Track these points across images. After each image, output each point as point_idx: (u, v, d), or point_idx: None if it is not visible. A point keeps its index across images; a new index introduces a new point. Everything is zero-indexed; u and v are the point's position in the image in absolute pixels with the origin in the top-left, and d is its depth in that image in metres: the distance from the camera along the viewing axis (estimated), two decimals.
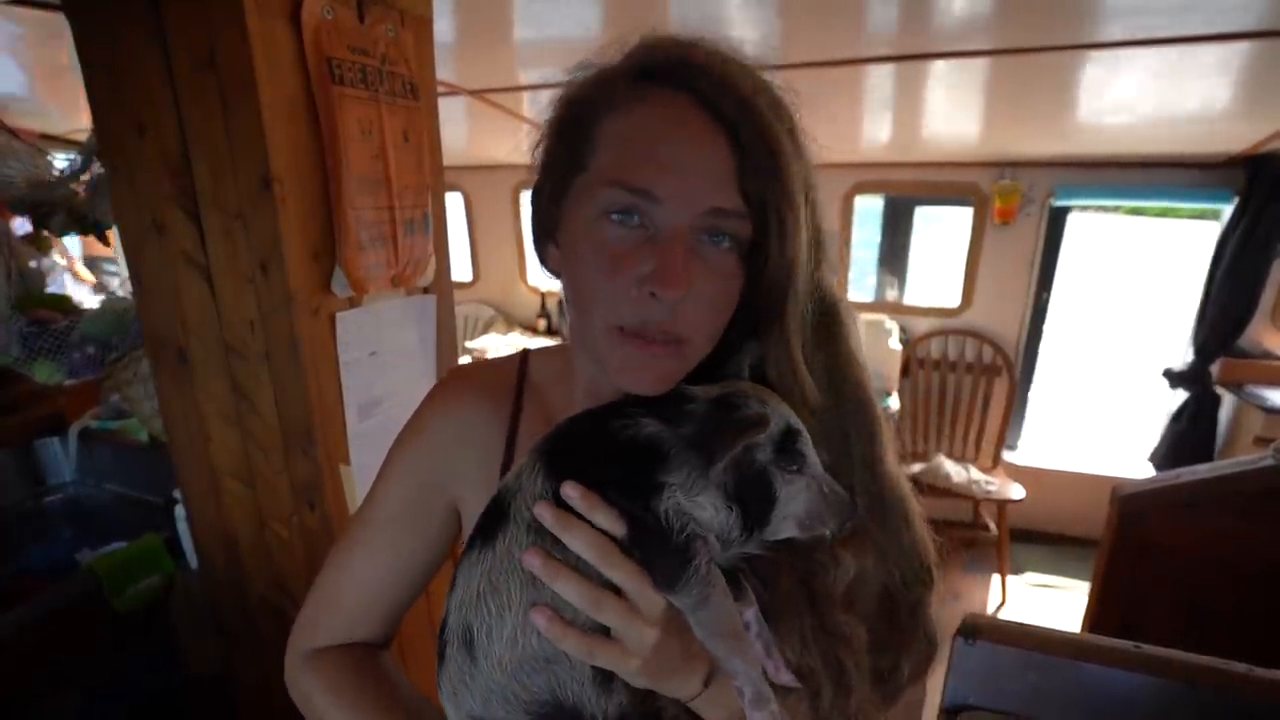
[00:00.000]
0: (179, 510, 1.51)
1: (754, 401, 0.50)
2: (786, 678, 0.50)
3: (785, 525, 0.50)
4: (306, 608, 0.72)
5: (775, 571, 0.53)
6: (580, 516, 0.46)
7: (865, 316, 3.29)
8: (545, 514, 0.46)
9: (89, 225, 1.88)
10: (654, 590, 0.47)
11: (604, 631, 0.46)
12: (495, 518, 0.50)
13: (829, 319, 0.57)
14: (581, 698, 0.48)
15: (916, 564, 0.58)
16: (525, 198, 4.06)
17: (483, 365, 0.72)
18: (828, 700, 0.52)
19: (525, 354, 0.71)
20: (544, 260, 0.61)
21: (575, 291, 0.54)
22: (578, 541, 0.45)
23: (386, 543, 0.67)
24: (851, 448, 0.56)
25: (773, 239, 0.50)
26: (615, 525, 0.46)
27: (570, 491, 0.46)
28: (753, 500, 0.48)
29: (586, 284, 0.52)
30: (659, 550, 0.47)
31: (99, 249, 2.88)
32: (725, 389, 0.51)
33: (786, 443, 0.49)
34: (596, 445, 0.50)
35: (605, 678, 0.48)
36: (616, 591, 0.46)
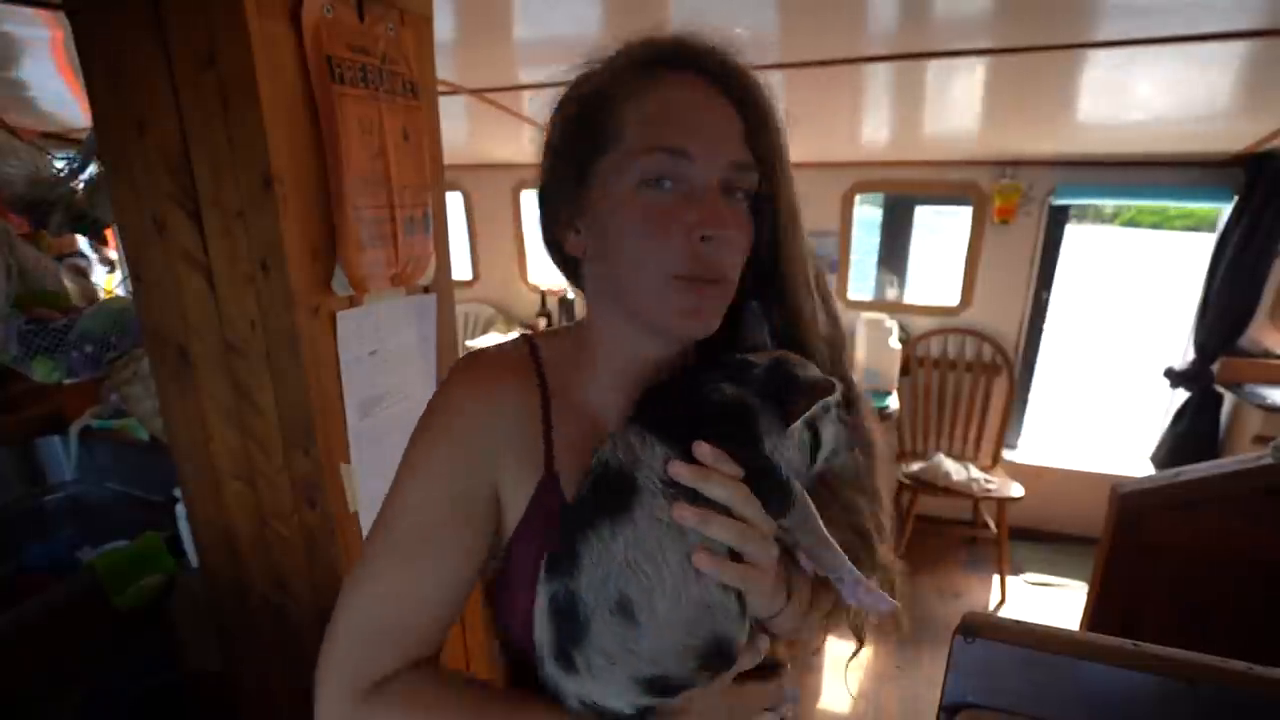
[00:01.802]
0: (180, 509, 1.52)
1: (795, 363, 0.59)
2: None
3: (821, 459, 0.60)
4: (348, 643, 0.61)
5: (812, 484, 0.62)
6: (717, 473, 0.53)
7: (865, 315, 3.29)
8: (683, 472, 0.52)
9: (87, 224, 1.88)
10: (768, 517, 0.55)
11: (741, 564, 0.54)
12: (619, 492, 0.54)
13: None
14: (731, 631, 0.55)
15: (871, 445, 0.68)
16: (526, 197, 4.09)
17: (494, 352, 0.69)
18: (864, 559, 0.62)
19: (529, 338, 0.70)
20: (560, 248, 0.66)
21: (618, 260, 0.59)
22: (718, 489, 0.52)
23: (442, 548, 0.62)
24: (831, 357, 0.66)
25: (779, 187, 0.60)
26: (736, 471, 0.53)
27: (702, 449, 0.53)
28: (814, 441, 0.58)
29: (635, 248, 0.58)
30: (770, 486, 0.55)
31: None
32: (774, 356, 0.60)
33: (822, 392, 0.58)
34: (695, 409, 0.57)
35: (743, 608, 0.55)
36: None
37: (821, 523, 0.58)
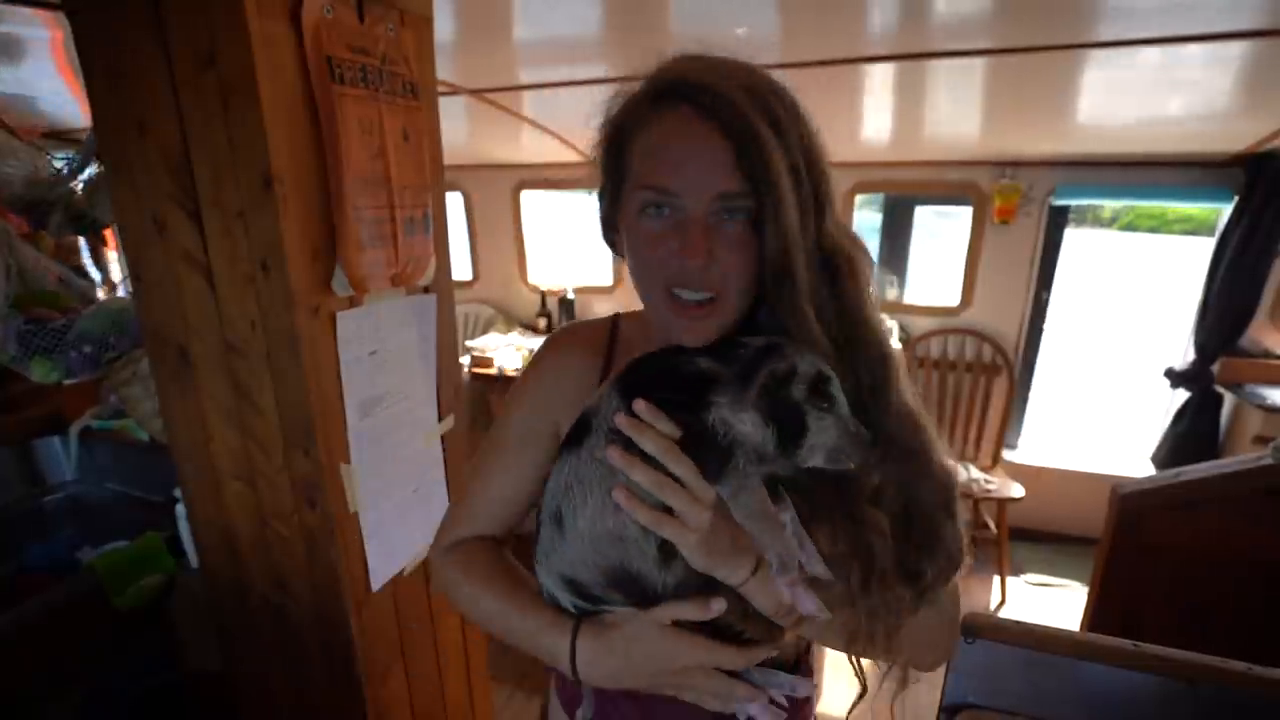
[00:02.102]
0: (179, 509, 1.52)
1: (790, 349, 0.60)
2: (819, 569, 0.60)
3: (815, 454, 0.59)
4: (449, 513, 0.87)
5: (812, 482, 0.63)
6: (649, 428, 0.58)
7: None
8: (622, 422, 0.59)
9: (86, 224, 1.88)
10: (704, 480, 0.58)
11: (667, 514, 0.59)
12: (580, 430, 0.65)
13: (837, 270, 0.65)
14: (645, 569, 0.63)
15: (941, 487, 0.65)
16: (526, 197, 4.10)
17: (585, 324, 0.88)
18: (857, 578, 0.61)
19: (616, 316, 0.88)
20: (613, 247, 0.77)
21: (634, 268, 0.69)
22: (647, 442, 0.58)
23: (512, 457, 0.83)
24: (862, 382, 0.64)
25: (768, 211, 0.60)
26: (673, 430, 0.58)
27: (639, 405, 0.59)
28: (787, 425, 0.58)
29: (641, 262, 0.67)
30: (708, 450, 0.59)
31: None
32: (770, 340, 0.62)
33: (818, 385, 0.59)
34: (660, 376, 0.64)
35: (665, 557, 0.62)
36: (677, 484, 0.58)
37: (763, 499, 0.61)
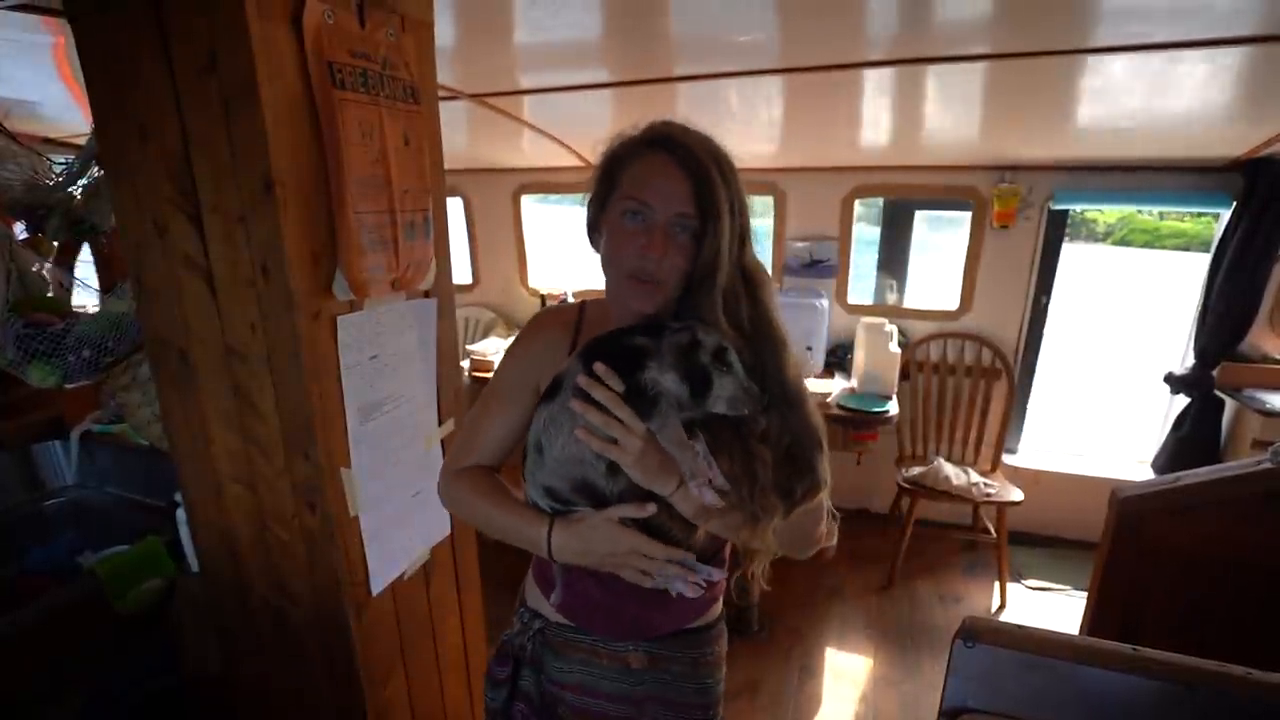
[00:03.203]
0: (180, 513, 1.52)
1: (699, 329, 0.85)
2: (720, 481, 0.86)
3: (719, 403, 0.84)
4: (453, 446, 1.11)
5: (720, 425, 0.88)
6: (600, 385, 0.83)
7: (865, 319, 3.29)
8: (583, 380, 0.84)
9: (85, 229, 1.88)
10: (637, 419, 0.83)
11: (613, 444, 0.84)
12: (554, 387, 0.91)
13: (752, 284, 0.92)
14: (597, 481, 0.89)
15: (811, 434, 0.92)
16: (526, 201, 4.10)
17: (560, 308, 1.12)
18: (745, 490, 0.87)
19: (584, 302, 1.10)
20: (594, 243, 1.00)
21: (609, 257, 0.95)
22: (598, 393, 0.83)
23: (503, 407, 1.06)
24: (766, 363, 0.89)
25: (707, 233, 0.87)
26: (618, 385, 0.83)
27: (598, 367, 0.84)
28: (697, 382, 0.83)
29: (615, 252, 0.92)
30: (641, 400, 0.84)
31: None
32: (685, 323, 0.87)
33: (719, 354, 0.83)
34: (612, 348, 0.87)
35: (612, 472, 0.88)
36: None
37: (681, 433, 0.86)
